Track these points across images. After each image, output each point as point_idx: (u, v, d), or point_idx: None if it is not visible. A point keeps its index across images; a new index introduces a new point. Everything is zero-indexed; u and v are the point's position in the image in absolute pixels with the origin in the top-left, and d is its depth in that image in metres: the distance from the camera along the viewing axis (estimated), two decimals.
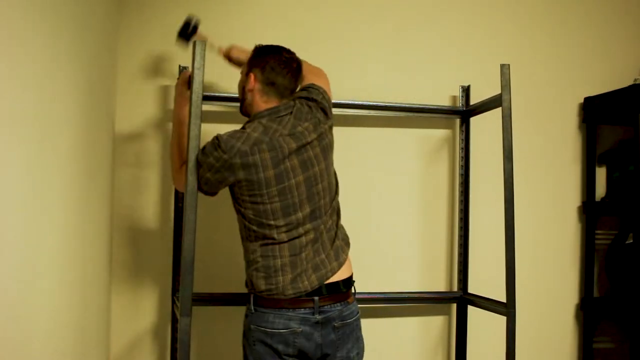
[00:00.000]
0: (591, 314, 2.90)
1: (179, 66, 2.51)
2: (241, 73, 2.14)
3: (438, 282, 2.85)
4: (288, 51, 2.09)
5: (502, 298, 2.35)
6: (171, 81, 2.58)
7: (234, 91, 2.34)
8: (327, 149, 2.05)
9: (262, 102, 2.03)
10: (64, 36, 1.73)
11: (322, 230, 1.98)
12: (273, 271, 1.92)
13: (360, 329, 2.06)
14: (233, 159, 1.90)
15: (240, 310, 2.04)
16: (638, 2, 3.09)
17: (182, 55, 2.50)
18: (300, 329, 1.91)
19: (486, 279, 2.77)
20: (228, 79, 2.55)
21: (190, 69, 2.15)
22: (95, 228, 2.19)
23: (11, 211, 1.33)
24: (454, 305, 2.82)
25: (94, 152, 2.15)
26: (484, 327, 2.75)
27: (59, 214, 1.70)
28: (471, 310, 2.75)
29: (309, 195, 1.96)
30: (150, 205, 2.59)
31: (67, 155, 1.78)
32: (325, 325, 1.93)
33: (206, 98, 2.34)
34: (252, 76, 2.04)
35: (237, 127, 2.02)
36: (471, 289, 2.77)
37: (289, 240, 1.93)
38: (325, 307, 1.94)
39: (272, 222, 1.92)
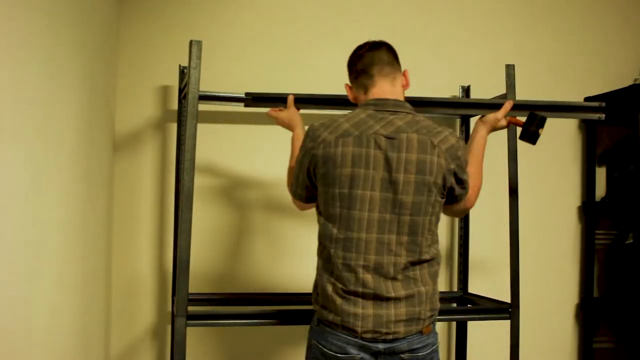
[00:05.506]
0: (591, 314, 2.90)
1: (179, 66, 2.51)
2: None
3: (438, 282, 2.84)
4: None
5: (502, 298, 2.35)
6: (171, 81, 2.58)
7: (230, 90, 2.33)
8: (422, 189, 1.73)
9: (362, 96, 1.81)
10: (64, 36, 1.73)
11: None
12: None
13: None
14: (316, 149, 1.72)
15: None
16: (638, 2, 3.09)
17: (182, 55, 2.50)
18: (360, 356, 1.66)
19: (486, 279, 2.76)
20: (224, 79, 2.56)
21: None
22: (95, 228, 2.19)
23: (11, 211, 1.33)
24: (454, 305, 2.82)
25: (94, 152, 2.16)
26: (484, 327, 2.75)
27: (59, 214, 1.70)
28: None
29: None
30: (150, 205, 2.59)
31: (67, 155, 1.78)
32: (389, 356, 1.68)
33: (202, 97, 2.30)
34: (347, 87, 1.89)
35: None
36: (471, 289, 2.76)
37: None
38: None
39: None
